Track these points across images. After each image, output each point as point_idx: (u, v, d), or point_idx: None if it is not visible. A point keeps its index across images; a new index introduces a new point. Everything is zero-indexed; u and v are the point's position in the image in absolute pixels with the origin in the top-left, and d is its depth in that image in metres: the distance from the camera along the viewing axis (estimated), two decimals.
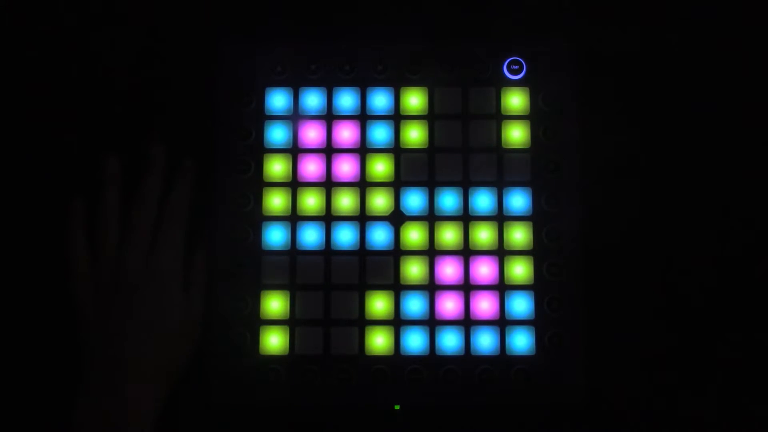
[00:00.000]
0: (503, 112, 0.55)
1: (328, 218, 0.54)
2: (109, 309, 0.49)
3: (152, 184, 0.53)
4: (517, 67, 0.55)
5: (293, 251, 0.53)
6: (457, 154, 0.54)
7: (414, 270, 0.53)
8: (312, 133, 0.55)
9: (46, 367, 0.53)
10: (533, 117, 0.54)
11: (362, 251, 0.53)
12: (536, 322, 0.53)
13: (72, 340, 0.51)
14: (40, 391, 0.53)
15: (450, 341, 0.52)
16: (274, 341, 0.52)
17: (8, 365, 0.54)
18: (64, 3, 0.57)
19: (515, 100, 0.55)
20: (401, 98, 0.55)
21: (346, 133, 0.54)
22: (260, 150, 0.54)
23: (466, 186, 0.54)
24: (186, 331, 0.51)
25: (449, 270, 0.53)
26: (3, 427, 0.53)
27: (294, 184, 0.54)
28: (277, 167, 0.54)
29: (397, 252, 0.53)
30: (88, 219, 0.53)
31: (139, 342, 0.48)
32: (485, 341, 0.52)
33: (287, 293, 0.53)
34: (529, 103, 0.55)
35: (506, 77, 0.55)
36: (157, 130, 0.55)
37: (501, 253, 0.53)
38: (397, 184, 0.54)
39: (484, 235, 0.53)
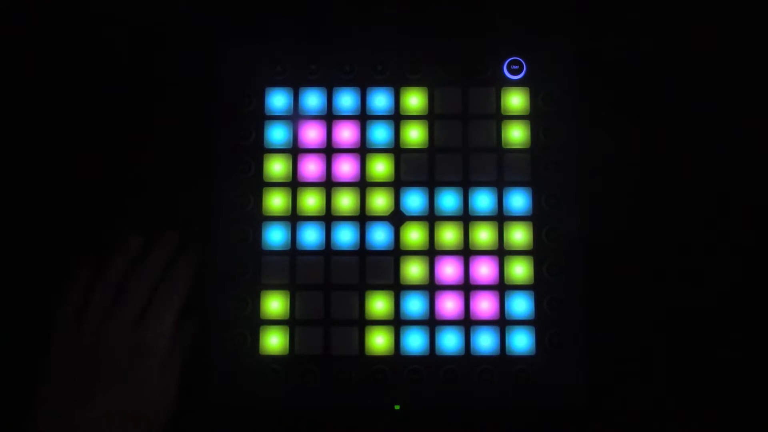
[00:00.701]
0: (503, 112, 0.55)
1: (328, 218, 0.54)
2: (77, 374, 0.48)
3: (156, 261, 0.52)
4: (517, 67, 0.55)
5: (293, 251, 0.53)
6: (457, 154, 0.54)
7: (414, 270, 0.53)
8: (312, 133, 0.55)
9: None
10: (533, 117, 0.54)
11: (362, 251, 0.53)
12: (536, 322, 0.53)
13: None
14: None
15: (450, 341, 0.52)
16: (274, 341, 0.52)
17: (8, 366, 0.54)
18: (64, 3, 0.57)
19: (515, 100, 0.55)
20: (401, 98, 0.55)
21: (346, 133, 0.54)
22: (260, 150, 0.54)
23: (466, 186, 0.54)
24: (153, 413, 0.49)
25: (449, 270, 0.53)
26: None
27: (294, 184, 0.54)
28: (277, 167, 0.54)
29: (397, 252, 0.53)
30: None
31: (99, 413, 0.47)
32: (485, 341, 0.52)
33: (287, 293, 0.53)
34: (529, 103, 0.55)
35: (506, 77, 0.55)
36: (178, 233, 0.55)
37: (501, 253, 0.53)
38: (397, 184, 0.54)
39: (484, 235, 0.53)
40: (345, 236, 0.53)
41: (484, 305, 0.53)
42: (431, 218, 0.54)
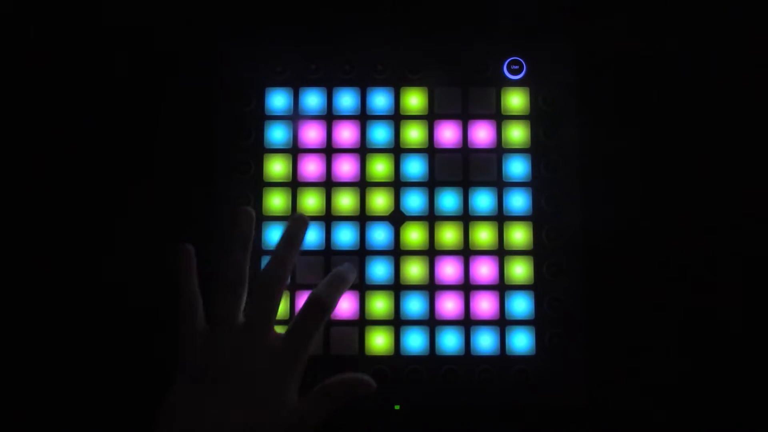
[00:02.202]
0: (503, 112, 0.55)
1: (328, 218, 0.54)
2: (212, 393, 0.43)
3: (285, 253, 0.47)
4: (517, 67, 0.55)
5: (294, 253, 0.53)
6: (457, 154, 0.54)
7: (414, 270, 0.53)
8: (312, 133, 0.55)
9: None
10: (533, 117, 0.54)
11: (362, 251, 0.53)
12: (536, 322, 0.53)
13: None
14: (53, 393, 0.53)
15: (450, 341, 0.52)
16: None
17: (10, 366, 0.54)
18: (64, 3, 0.57)
19: (515, 100, 0.55)
20: (401, 98, 0.55)
21: (346, 133, 0.54)
22: (260, 150, 0.54)
23: (466, 186, 0.54)
24: None
25: (449, 270, 0.53)
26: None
27: (294, 184, 0.54)
28: (277, 167, 0.54)
29: (397, 252, 0.53)
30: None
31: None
32: (485, 341, 0.52)
33: (288, 293, 0.53)
34: (529, 103, 0.55)
35: (506, 77, 0.55)
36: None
37: (501, 253, 0.53)
38: (397, 184, 0.54)
39: (484, 235, 0.53)
40: (345, 236, 0.53)
41: (484, 305, 0.53)
42: (431, 218, 0.54)
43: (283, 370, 0.44)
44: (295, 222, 0.49)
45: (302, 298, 0.53)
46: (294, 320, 0.45)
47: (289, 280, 0.47)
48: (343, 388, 0.45)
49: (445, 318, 0.53)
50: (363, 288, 0.53)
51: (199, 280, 0.47)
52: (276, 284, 0.46)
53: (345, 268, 0.49)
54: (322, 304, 0.46)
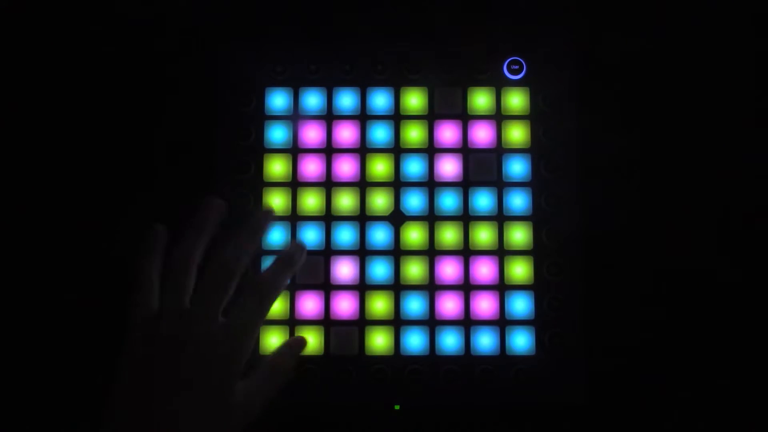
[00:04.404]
0: (503, 112, 0.55)
1: (328, 218, 0.54)
2: (157, 372, 0.42)
3: (247, 240, 0.47)
4: (517, 67, 0.55)
5: None
6: (457, 154, 0.54)
7: (414, 270, 0.53)
8: (312, 133, 0.55)
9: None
10: (533, 117, 0.54)
11: (362, 251, 0.53)
12: (536, 322, 0.53)
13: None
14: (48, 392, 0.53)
15: (450, 341, 0.52)
16: (275, 341, 0.52)
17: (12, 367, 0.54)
18: (64, 3, 0.57)
19: (515, 100, 0.55)
20: (401, 98, 0.55)
21: (346, 133, 0.54)
22: (260, 150, 0.54)
23: (466, 186, 0.54)
24: (234, 415, 0.43)
25: (449, 270, 0.53)
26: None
27: (294, 184, 0.54)
28: (277, 167, 0.54)
29: (397, 252, 0.53)
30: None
31: (179, 411, 0.42)
32: (485, 341, 0.52)
33: (287, 293, 0.53)
34: (529, 103, 0.55)
35: (506, 77, 0.55)
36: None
37: (501, 253, 0.53)
38: (397, 184, 0.54)
39: (484, 235, 0.53)
40: (345, 236, 0.53)
41: (484, 305, 0.53)
42: (431, 218, 0.54)
43: (226, 357, 0.44)
44: (264, 214, 0.49)
45: (302, 299, 0.53)
46: (235, 306, 0.45)
47: (244, 269, 0.46)
48: (282, 357, 0.47)
49: (445, 318, 0.53)
50: (363, 288, 0.53)
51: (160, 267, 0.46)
52: (229, 270, 0.45)
53: (291, 248, 0.49)
54: (265, 290, 0.46)
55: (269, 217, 0.49)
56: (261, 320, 0.46)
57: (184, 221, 0.47)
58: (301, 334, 0.52)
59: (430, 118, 0.55)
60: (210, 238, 0.47)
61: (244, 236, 0.47)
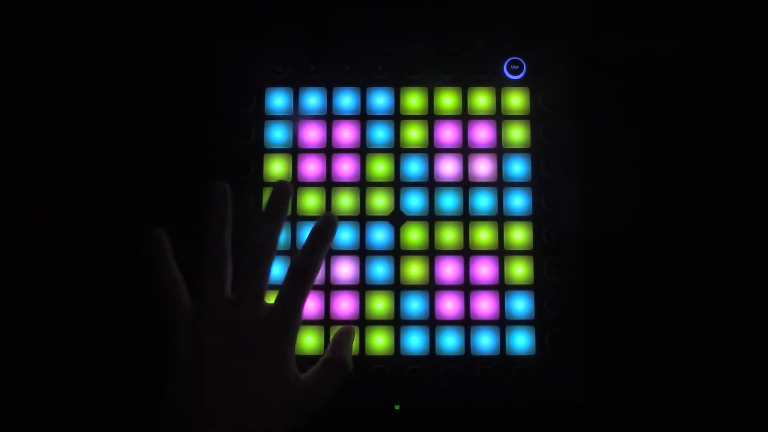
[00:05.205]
0: (503, 112, 0.55)
1: None
2: (210, 369, 0.42)
3: (272, 218, 0.47)
4: (517, 67, 0.55)
5: (293, 251, 0.53)
6: (457, 154, 0.54)
7: (414, 270, 0.53)
8: (312, 133, 0.55)
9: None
10: (533, 117, 0.55)
11: (362, 251, 0.53)
12: (536, 322, 0.53)
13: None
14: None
15: (450, 341, 0.52)
16: None
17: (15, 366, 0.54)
18: (64, 3, 0.57)
19: (515, 100, 0.55)
20: (401, 98, 0.55)
21: (346, 133, 0.54)
22: (260, 150, 0.54)
23: (466, 186, 0.54)
24: (296, 405, 0.44)
25: (449, 270, 0.53)
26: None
27: (294, 184, 0.54)
28: (277, 167, 0.54)
29: (397, 252, 0.53)
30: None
31: (239, 405, 0.42)
32: (485, 341, 0.52)
33: None
34: (529, 103, 0.55)
35: (506, 77, 0.55)
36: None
37: (501, 253, 0.53)
38: (397, 184, 0.54)
39: (484, 235, 0.53)
40: (345, 236, 0.53)
41: (484, 305, 0.53)
42: (431, 218, 0.54)
43: (279, 342, 0.44)
44: (281, 192, 0.48)
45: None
46: (280, 290, 0.46)
47: (276, 251, 0.47)
48: (339, 348, 0.47)
49: (445, 318, 0.53)
50: (363, 288, 0.53)
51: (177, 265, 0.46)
52: (264, 254, 0.46)
53: (322, 222, 0.49)
54: (305, 270, 0.46)
55: (287, 190, 0.49)
56: (305, 300, 0.46)
57: (194, 219, 0.48)
58: (305, 334, 0.52)
59: (430, 118, 0.55)
60: (230, 223, 0.47)
61: (269, 215, 0.47)
